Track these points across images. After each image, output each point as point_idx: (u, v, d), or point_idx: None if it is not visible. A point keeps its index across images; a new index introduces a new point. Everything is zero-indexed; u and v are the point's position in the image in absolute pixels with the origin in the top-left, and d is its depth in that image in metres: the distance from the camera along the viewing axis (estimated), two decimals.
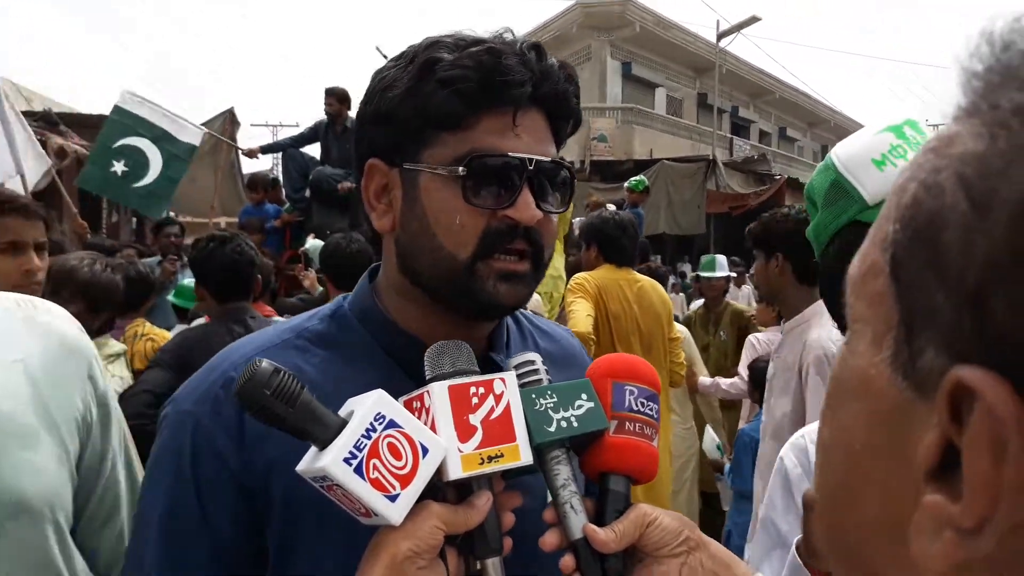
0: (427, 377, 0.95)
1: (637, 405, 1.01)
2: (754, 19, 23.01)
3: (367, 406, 0.85)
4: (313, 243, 6.71)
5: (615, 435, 0.99)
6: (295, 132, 8.79)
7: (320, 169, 8.09)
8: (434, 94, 1.00)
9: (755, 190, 19.40)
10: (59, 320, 1.38)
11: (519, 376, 0.99)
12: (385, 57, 8.40)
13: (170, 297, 5.28)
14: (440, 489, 0.90)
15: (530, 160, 1.01)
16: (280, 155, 9.57)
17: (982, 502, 0.36)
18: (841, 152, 1.27)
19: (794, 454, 1.35)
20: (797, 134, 36.38)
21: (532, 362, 1.02)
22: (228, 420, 1.01)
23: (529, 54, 1.03)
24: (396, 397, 0.90)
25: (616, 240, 4.14)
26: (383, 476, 0.84)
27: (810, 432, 1.36)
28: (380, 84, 1.07)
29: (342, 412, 0.88)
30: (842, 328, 1.34)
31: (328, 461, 0.82)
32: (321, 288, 5.32)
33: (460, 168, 1.00)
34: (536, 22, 27.48)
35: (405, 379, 1.05)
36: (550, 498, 0.98)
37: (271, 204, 8.52)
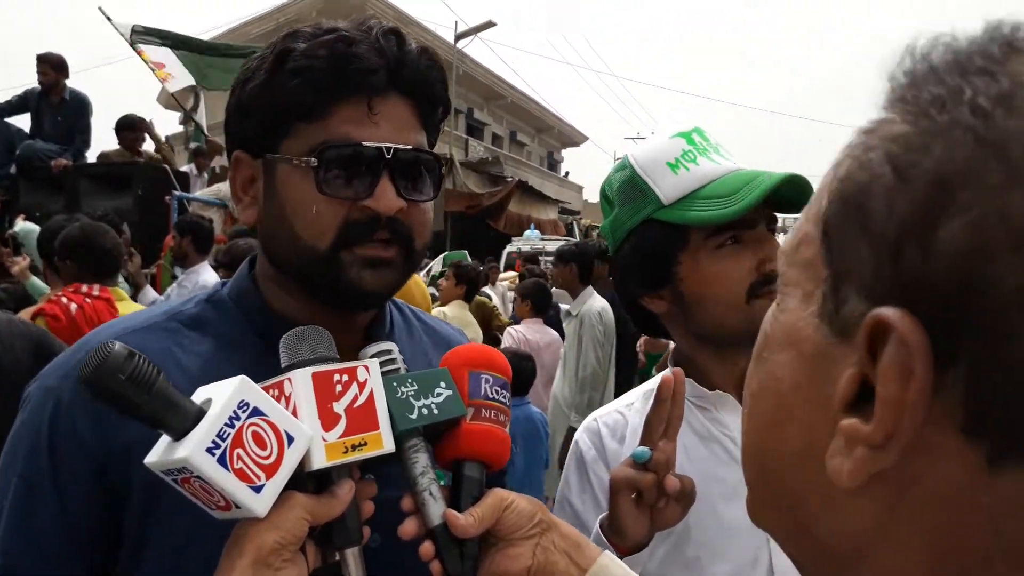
0: (284, 364, 0.91)
1: (492, 393, 1.02)
2: (490, 23, 23.88)
3: (229, 393, 0.80)
4: (23, 226, 5.95)
5: (471, 422, 1.00)
6: None
7: (30, 143, 7.30)
8: (287, 84, 0.99)
9: (489, 191, 20.21)
10: None
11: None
12: (108, 19, 7.60)
13: None
14: (301, 479, 0.86)
15: (388, 149, 1.00)
16: None
17: (890, 420, 0.43)
18: (638, 154, 1.36)
19: (588, 437, 1.42)
20: (526, 139, 38.23)
21: (389, 351, 1.00)
22: (87, 398, 0.94)
23: (386, 40, 1.02)
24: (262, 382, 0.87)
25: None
26: (247, 466, 0.79)
27: (603, 416, 1.44)
28: (242, 76, 1.06)
29: (196, 399, 0.81)
30: (628, 306, 1.45)
31: (190, 451, 0.76)
32: (34, 277, 4.69)
33: (312, 159, 0.99)
34: (272, 4, 26.40)
35: (278, 365, 1.00)
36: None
37: None
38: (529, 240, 15.88)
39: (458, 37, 25.00)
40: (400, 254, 1.04)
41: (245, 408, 0.80)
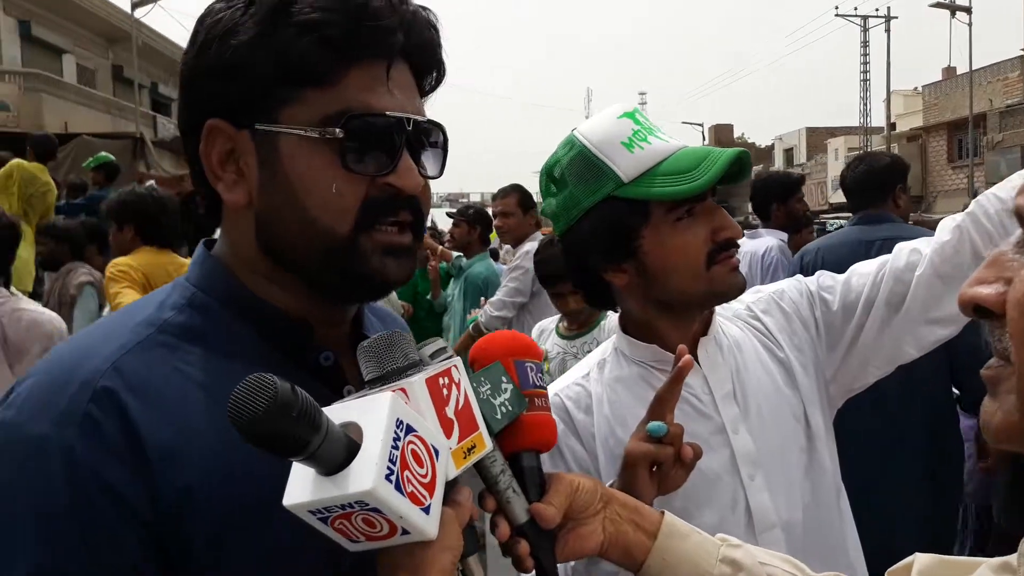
0: (369, 376, 0.84)
1: (537, 380, 1.03)
2: None
3: (386, 414, 0.73)
4: None
5: (528, 413, 1.00)
6: None
7: None
8: (293, 43, 0.86)
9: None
10: None
11: None
12: None
13: None
14: None
15: (408, 120, 0.92)
16: None
17: None
18: (589, 133, 1.41)
19: (555, 413, 1.46)
20: None
21: (444, 349, 0.96)
22: (113, 442, 0.78)
23: None
24: None
25: (156, 219, 3.72)
26: (416, 488, 0.74)
27: (563, 390, 1.49)
28: (216, 29, 0.89)
29: (336, 421, 0.74)
30: (581, 280, 1.50)
31: (374, 482, 0.69)
32: None
33: (337, 130, 0.88)
34: None
35: (296, 369, 0.92)
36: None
37: None
38: None
39: (135, 6, 22.82)
40: (413, 240, 0.97)
41: (401, 426, 0.74)
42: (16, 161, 6.34)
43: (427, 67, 0.99)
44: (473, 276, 5.64)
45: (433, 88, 1.02)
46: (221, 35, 0.88)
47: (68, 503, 0.77)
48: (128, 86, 24.57)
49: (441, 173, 1.01)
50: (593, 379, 1.49)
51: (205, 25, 0.91)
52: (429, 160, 0.98)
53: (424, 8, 0.96)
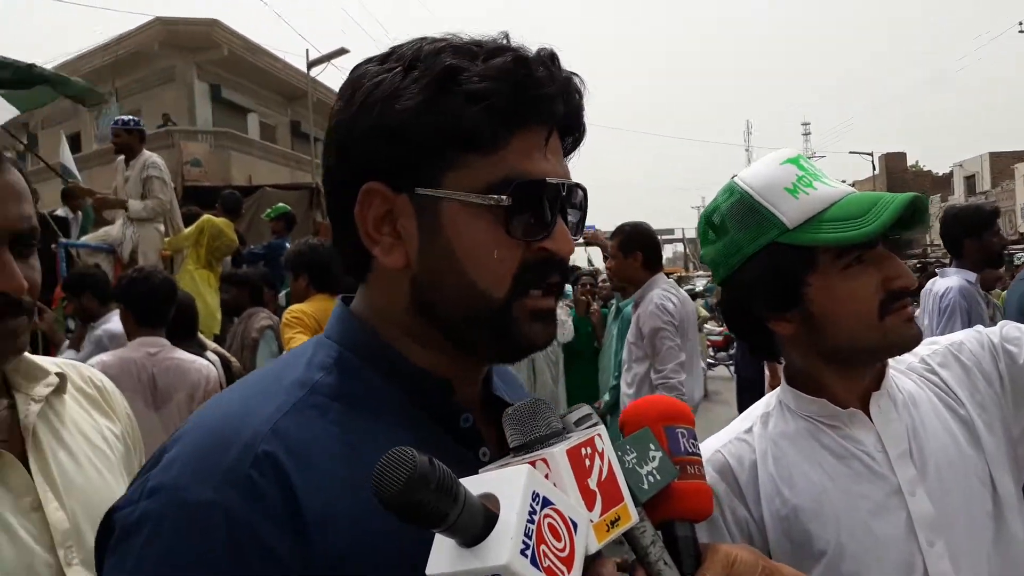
0: (514, 443, 0.84)
1: (690, 447, 0.99)
2: (343, 50, 23.57)
3: (522, 486, 0.72)
4: None
5: (680, 481, 0.95)
6: None
7: None
8: (462, 111, 0.87)
9: None
10: None
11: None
12: None
13: None
14: None
15: (563, 185, 0.93)
16: None
17: None
18: (750, 179, 1.37)
19: (715, 471, 1.38)
20: None
21: (590, 416, 0.94)
22: (273, 506, 0.78)
23: (553, 65, 0.93)
24: (440, 455, 0.72)
25: (328, 268, 3.95)
26: (553, 564, 0.71)
27: (724, 446, 1.41)
28: (377, 93, 0.90)
29: (474, 492, 0.73)
30: (743, 328, 1.44)
31: (509, 557, 0.67)
32: None
33: (504, 197, 0.88)
34: (109, 35, 25.01)
35: (441, 432, 0.93)
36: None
37: None
38: None
39: (310, 66, 24.54)
40: (555, 303, 0.98)
41: (537, 499, 0.72)
42: (207, 217, 6.89)
43: (573, 129, 1.00)
44: (628, 315, 5.56)
45: (574, 148, 1.03)
46: (384, 99, 0.89)
47: (230, 569, 0.77)
48: (304, 140, 26.36)
49: (582, 232, 1.02)
50: (757, 434, 1.42)
51: (364, 87, 0.91)
52: (577, 223, 1.00)
53: (574, 74, 0.97)
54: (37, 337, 4.80)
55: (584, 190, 1.00)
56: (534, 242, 0.91)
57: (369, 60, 0.96)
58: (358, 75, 0.94)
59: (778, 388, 1.47)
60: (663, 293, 4.45)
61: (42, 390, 1.36)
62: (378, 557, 0.81)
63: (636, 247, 4.66)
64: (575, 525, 0.75)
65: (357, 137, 0.91)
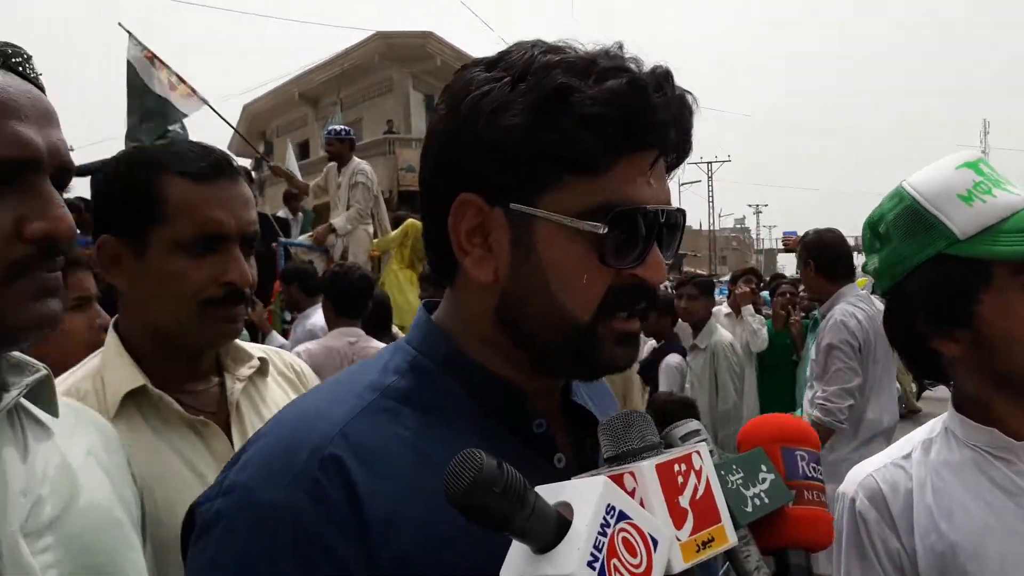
0: (607, 455, 0.83)
1: (810, 471, 0.93)
2: None
3: (596, 498, 0.71)
4: None
5: (795, 506, 0.91)
6: None
7: None
8: (571, 133, 0.84)
9: None
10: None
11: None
12: (130, 34, 7.69)
13: None
14: None
15: (662, 212, 0.89)
16: None
17: None
18: (920, 186, 1.27)
19: (866, 496, 1.31)
20: None
21: (698, 431, 0.91)
22: (337, 509, 0.81)
23: (668, 87, 0.89)
24: (512, 460, 0.72)
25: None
26: None
27: (878, 471, 1.33)
28: (483, 104, 0.87)
29: (551, 500, 0.73)
30: (906, 348, 1.34)
31: (575, 567, 0.67)
32: None
33: (602, 226, 0.86)
34: (335, 49, 27.05)
35: (512, 439, 0.93)
36: None
37: None
38: None
39: None
40: (639, 327, 0.95)
41: (612, 512, 0.72)
42: (410, 221, 7.30)
43: (680, 152, 0.96)
44: (820, 328, 5.25)
45: (677, 165, 0.98)
46: (490, 111, 0.86)
47: (294, 570, 0.79)
48: None
49: (676, 254, 0.99)
50: (916, 461, 1.31)
51: (470, 97, 0.89)
52: (671, 248, 0.95)
53: (688, 92, 0.93)
54: (251, 326, 5.31)
55: (684, 213, 0.95)
56: (625, 268, 0.89)
57: (476, 64, 0.93)
58: (464, 81, 0.91)
59: (945, 414, 1.35)
60: (846, 308, 4.12)
61: (246, 371, 1.57)
62: (443, 563, 0.82)
63: (809, 256, 4.37)
64: (655, 542, 0.74)
65: (459, 148, 0.90)
